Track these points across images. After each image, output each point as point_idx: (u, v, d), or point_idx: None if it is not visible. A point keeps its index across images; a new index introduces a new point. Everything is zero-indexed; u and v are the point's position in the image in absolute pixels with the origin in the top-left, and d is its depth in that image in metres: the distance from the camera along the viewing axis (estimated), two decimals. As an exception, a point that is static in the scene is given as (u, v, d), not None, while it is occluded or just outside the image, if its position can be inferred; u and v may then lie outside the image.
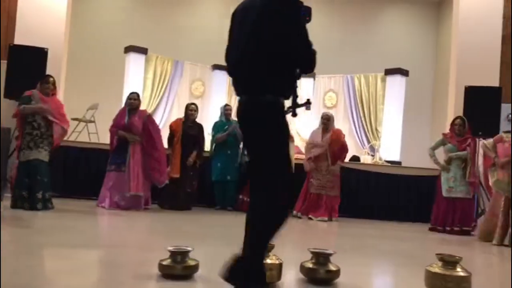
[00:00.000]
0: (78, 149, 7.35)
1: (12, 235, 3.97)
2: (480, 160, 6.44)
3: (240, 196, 7.10)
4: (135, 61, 9.90)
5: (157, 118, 9.93)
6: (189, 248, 2.84)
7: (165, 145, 6.82)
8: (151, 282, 2.75)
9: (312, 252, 2.92)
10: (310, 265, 2.89)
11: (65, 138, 6.28)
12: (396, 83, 9.95)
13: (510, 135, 5.72)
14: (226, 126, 7.28)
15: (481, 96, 7.36)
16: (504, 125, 7.11)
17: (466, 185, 6.32)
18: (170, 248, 2.81)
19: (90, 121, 8.75)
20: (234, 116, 7.84)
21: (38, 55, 7.05)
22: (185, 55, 10.49)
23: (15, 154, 5.86)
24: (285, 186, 2.37)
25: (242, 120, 2.47)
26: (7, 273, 2.53)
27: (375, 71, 10.22)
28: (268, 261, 2.68)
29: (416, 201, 7.55)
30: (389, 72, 10.05)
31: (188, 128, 6.92)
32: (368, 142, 10.23)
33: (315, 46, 2.41)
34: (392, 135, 9.75)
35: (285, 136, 2.41)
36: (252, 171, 2.46)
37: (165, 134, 7.14)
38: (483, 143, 6.01)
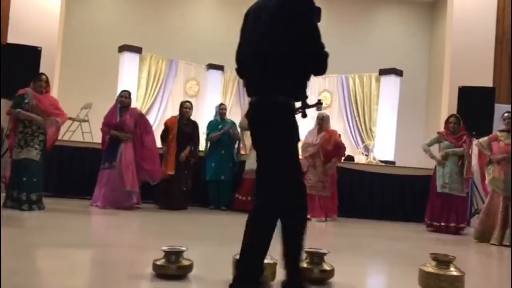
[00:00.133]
0: (72, 148, 7.33)
1: (5, 235, 3.94)
2: (474, 160, 6.46)
3: (236, 195, 7.10)
4: (129, 60, 9.87)
5: (151, 118, 9.92)
6: (183, 248, 2.84)
7: (159, 141, 6.84)
8: (145, 282, 2.74)
9: (306, 252, 2.92)
10: (304, 265, 2.89)
11: (59, 138, 6.25)
12: (390, 83, 9.97)
13: (504, 134, 5.74)
14: (220, 126, 7.27)
15: (474, 96, 7.40)
16: (497, 126, 7.15)
17: (460, 183, 6.34)
18: (164, 248, 2.81)
19: (84, 121, 8.72)
20: (228, 115, 7.86)
21: (31, 54, 7.01)
22: (180, 54, 10.46)
23: (7, 153, 5.82)
24: (293, 187, 2.38)
25: (252, 121, 2.47)
26: (2, 273, 2.52)
27: (370, 71, 10.25)
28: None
29: (410, 200, 7.57)
30: (383, 72, 10.07)
31: (183, 125, 6.92)
32: (362, 142, 10.25)
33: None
34: (386, 135, 9.77)
35: (295, 137, 2.43)
36: (260, 171, 2.46)
37: (158, 133, 7.15)
38: (478, 142, 6.02)
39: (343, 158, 7.33)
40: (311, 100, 2.48)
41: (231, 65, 10.42)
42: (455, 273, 2.70)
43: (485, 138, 5.96)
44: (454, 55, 8.37)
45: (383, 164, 8.68)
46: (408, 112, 10.24)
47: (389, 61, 10.11)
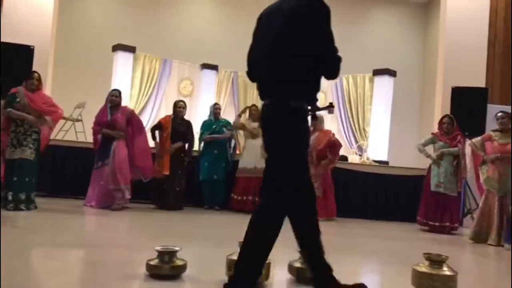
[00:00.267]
0: (65, 148, 7.29)
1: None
2: (468, 160, 6.49)
3: (232, 195, 7.09)
4: (123, 60, 9.85)
5: (145, 117, 9.91)
6: (177, 248, 2.83)
7: (151, 140, 6.84)
8: (138, 282, 2.73)
9: (300, 252, 2.92)
10: (298, 265, 2.90)
11: (52, 137, 6.21)
12: (384, 84, 10.02)
13: (498, 134, 5.76)
14: (215, 125, 7.27)
15: (467, 97, 7.44)
16: (490, 126, 7.19)
17: (455, 183, 6.37)
18: (158, 248, 2.80)
19: (77, 120, 8.68)
20: (222, 115, 7.85)
21: (24, 53, 6.97)
22: (174, 54, 10.45)
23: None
24: (303, 191, 2.41)
25: (265, 124, 2.49)
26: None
27: (363, 71, 10.28)
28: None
29: (403, 200, 7.59)
30: (377, 72, 10.12)
31: (177, 125, 6.91)
32: (356, 142, 10.29)
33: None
34: (379, 135, 9.81)
35: (306, 142, 2.46)
36: (268, 172, 2.46)
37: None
38: (471, 142, 6.04)
39: (337, 158, 7.30)
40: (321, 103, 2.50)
41: (225, 65, 10.44)
42: (448, 273, 2.72)
43: (478, 138, 5.99)
44: (447, 55, 8.42)
45: (377, 164, 8.71)
46: (402, 112, 10.29)
47: (382, 61, 10.16)
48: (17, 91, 5.54)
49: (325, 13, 2.38)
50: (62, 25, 9.25)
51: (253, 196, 6.83)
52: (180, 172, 6.82)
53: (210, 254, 3.76)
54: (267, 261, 2.76)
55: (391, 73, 10.03)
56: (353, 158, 9.29)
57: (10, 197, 5.30)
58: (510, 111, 6.00)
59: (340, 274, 2.48)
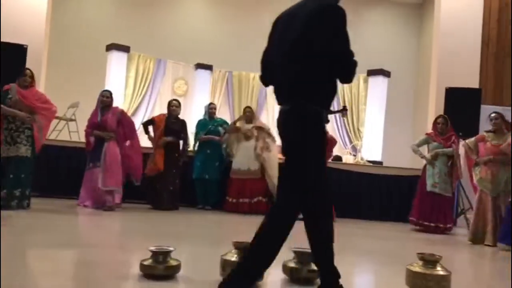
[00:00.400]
0: (59, 147, 7.26)
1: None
2: (462, 160, 6.51)
3: (226, 197, 7.06)
4: (117, 59, 9.81)
5: (139, 117, 9.88)
6: (171, 248, 2.83)
7: (143, 142, 6.81)
8: (132, 282, 2.73)
9: (295, 252, 2.93)
10: (292, 265, 2.90)
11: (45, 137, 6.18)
12: (378, 84, 10.04)
13: (491, 135, 5.79)
14: (210, 125, 7.26)
15: (461, 98, 7.47)
16: (483, 126, 7.22)
17: (449, 184, 6.40)
18: (152, 248, 2.79)
19: (71, 120, 8.64)
20: (218, 114, 7.84)
21: (17, 52, 6.93)
22: (168, 53, 10.43)
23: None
24: (319, 192, 2.41)
25: (283, 128, 2.49)
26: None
27: (357, 71, 10.18)
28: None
29: (397, 200, 7.60)
30: (371, 73, 10.14)
31: (171, 123, 6.90)
32: (350, 142, 10.31)
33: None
34: (374, 135, 9.84)
35: (324, 146, 2.48)
36: (286, 176, 2.47)
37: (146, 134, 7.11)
38: (464, 143, 6.06)
39: (331, 154, 7.27)
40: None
41: (219, 64, 10.42)
42: (441, 273, 2.73)
43: (472, 139, 6.01)
44: (441, 56, 8.45)
45: (371, 164, 8.73)
46: (396, 112, 10.31)
47: (377, 62, 10.17)
48: (10, 88, 5.51)
49: (342, 16, 2.37)
50: (55, 24, 9.21)
51: (249, 198, 6.82)
52: (174, 171, 6.80)
53: (204, 254, 3.75)
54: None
55: (385, 73, 10.05)
56: (347, 158, 9.30)
57: (3, 194, 5.27)
58: (503, 112, 6.02)
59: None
